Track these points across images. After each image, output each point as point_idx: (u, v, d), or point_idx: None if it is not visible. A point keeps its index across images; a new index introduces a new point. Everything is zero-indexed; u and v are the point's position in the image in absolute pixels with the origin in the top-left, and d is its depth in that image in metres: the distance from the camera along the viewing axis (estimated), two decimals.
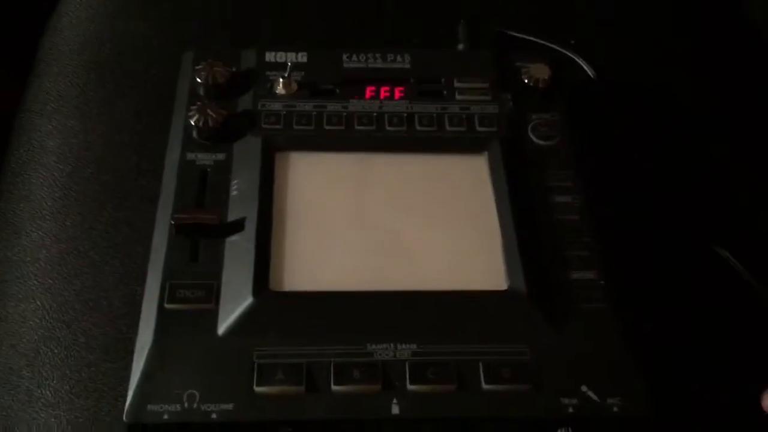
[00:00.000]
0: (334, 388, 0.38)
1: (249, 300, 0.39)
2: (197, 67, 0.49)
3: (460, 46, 0.56)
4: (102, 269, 0.46)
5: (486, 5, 0.62)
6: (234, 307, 0.40)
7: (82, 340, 0.44)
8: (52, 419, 0.41)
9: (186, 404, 0.37)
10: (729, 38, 0.63)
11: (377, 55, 0.51)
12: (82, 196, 0.50)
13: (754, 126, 0.57)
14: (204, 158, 0.46)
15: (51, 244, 0.48)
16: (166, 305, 0.40)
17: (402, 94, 0.49)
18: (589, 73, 0.57)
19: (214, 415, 0.37)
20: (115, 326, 0.44)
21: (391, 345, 0.39)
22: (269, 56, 0.51)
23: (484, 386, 0.38)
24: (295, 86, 0.49)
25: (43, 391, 0.42)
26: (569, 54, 0.57)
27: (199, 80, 0.48)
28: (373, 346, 0.39)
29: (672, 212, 0.50)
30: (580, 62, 0.57)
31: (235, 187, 0.44)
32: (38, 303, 0.45)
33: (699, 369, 0.44)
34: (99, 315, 0.45)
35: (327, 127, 0.47)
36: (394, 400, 0.38)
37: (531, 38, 0.58)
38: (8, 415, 0.42)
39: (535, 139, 0.48)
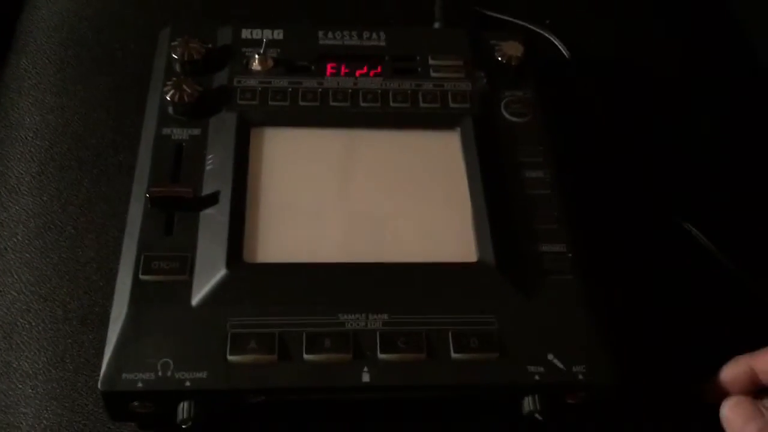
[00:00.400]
0: (306, 356, 0.38)
1: (222, 271, 0.40)
2: (173, 43, 0.49)
3: (437, 25, 0.57)
4: (79, 243, 0.47)
5: None
6: (208, 278, 0.40)
7: (59, 312, 0.44)
8: (30, 390, 0.42)
9: (160, 372, 0.38)
10: (702, 18, 0.64)
11: (353, 32, 0.52)
12: (59, 171, 0.50)
13: (726, 104, 0.58)
14: (179, 133, 0.46)
15: (28, 219, 0.48)
16: (141, 276, 0.40)
17: (377, 71, 0.50)
18: (563, 52, 0.57)
19: (188, 383, 0.37)
20: (91, 299, 0.45)
21: (363, 315, 0.40)
22: (245, 33, 0.51)
23: (453, 355, 0.39)
24: (270, 63, 0.50)
25: (21, 363, 0.43)
26: (544, 33, 0.58)
27: (174, 56, 0.49)
28: (345, 316, 0.40)
29: (642, 188, 0.51)
30: (554, 41, 0.58)
31: (210, 161, 0.45)
32: (16, 277, 0.46)
33: (664, 339, 0.45)
34: (76, 288, 0.45)
35: (302, 103, 0.48)
36: (365, 369, 0.38)
37: (506, 17, 0.59)
38: None
39: (507, 116, 0.49)
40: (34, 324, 0.44)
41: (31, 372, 0.42)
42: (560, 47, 0.57)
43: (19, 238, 0.47)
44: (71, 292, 0.45)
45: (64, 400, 0.41)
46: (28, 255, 0.47)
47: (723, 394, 0.41)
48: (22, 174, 0.50)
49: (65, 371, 0.42)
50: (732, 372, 0.41)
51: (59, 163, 0.50)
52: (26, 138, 0.52)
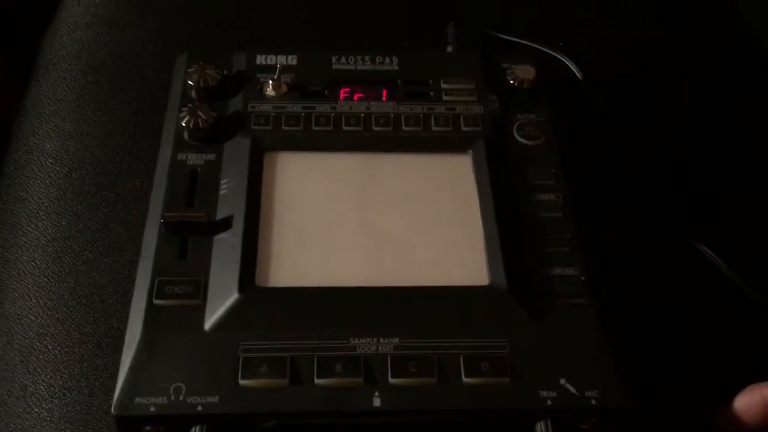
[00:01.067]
0: (317, 381, 0.39)
1: (235, 295, 0.40)
2: (189, 70, 0.50)
3: (449, 48, 0.57)
4: (96, 267, 0.48)
5: (477, 8, 0.63)
6: (220, 302, 0.41)
7: (76, 336, 0.45)
8: (45, 413, 0.42)
9: (173, 397, 0.38)
10: (716, 38, 0.64)
11: (366, 57, 0.52)
12: (77, 196, 0.51)
13: (741, 124, 0.58)
14: (194, 158, 0.47)
15: (47, 243, 0.49)
16: (155, 301, 0.41)
17: (389, 96, 0.50)
18: (576, 73, 0.57)
19: (200, 408, 0.38)
20: (107, 323, 0.45)
21: (374, 339, 0.40)
22: (260, 59, 0.52)
23: (465, 379, 0.39)
24: (284, 88, 0.50)
25: (37, 386, 0.43)
26: (557, 55, 0.58)
27: (190, 83, 0.49)
28: (356, 341, 0.40)
29: (655, 209, 0.51)
30: (567, 63, 0.58)
31: (224, 186, 0.45)
32: (34, 300, 0.47)
33: (678, 362, 0.45)
34: (92, 312, 0.46)
35: (315, 128, 0.48)
36: (376, 393, 0.38)
37: (519, 40, 0.59)
38: (2, 409, 0.43)
39: (519, 139, 0.49)
40: (50, 347, 0.45)
41: (47, 395, 0.43)
42: (573, 69, 0.58)
43: (38, 262, 0.48)
44: (87, 315, 0.46)
45: (79, 423, 0.42)
46: (45, 279, 0.47)
47: (736, 423, 0.40)
48: (41, 199, 0.51)
49: (80, 395, 0.43)
50: (745, 402, 0.40)
51: (78, 189, 0.51)
52: (46, 164, 0.53)
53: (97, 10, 0.62)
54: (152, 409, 0.38)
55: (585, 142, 0.53)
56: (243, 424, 0.39)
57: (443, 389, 0.39)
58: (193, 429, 0.38)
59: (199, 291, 0.41)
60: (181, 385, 0.38)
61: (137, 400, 0.38)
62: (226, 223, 0.43)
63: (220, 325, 0.40)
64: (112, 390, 0.39)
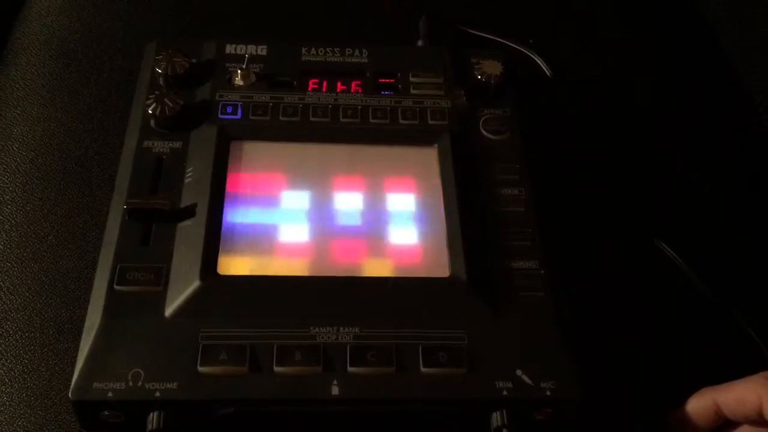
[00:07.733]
0: (276, 369, 0.39)
1: (196, 283, 0.40)
2: (157, 58, 0.50)
3: (420, 43, 0.57)
4: (59, 253, 0.47)
5: (451, 4, 0.63)
6: (181, 289, 0.41)
7: (37, 321, 0.45)
8: (5, 397, 0.42)
9: (131, 382, 0.38)
10: (683, 40, 0.65)
11: (336, 49, 0.52)
12: (43, 182, 0.51)
13: (706, 123, 0.58)
14: (160, 146, 0.47)
15: (11, 228, 0.49)
16: (116, 287, 0.41)
17: (358, 88, 0.50)
18: (546, 70, 0.58)
19: (158, 394, 0.38)
20: (69, 308, 0.45)
21: (334, 328, 0.40)
22: (230, 48, 0.52)
23: (423, 369, 0.39)
24: (253, 78, 0.50)
25: None
26: (527, 52, 0.59)
27: (158, 70, 0.49)
28: (316, 329, 0.40)
29: (619, 207, 0.52)
30: (537, 60, 0.58)
31: (189, 174, 0.45)
32: None
33: (636, 359, 0.45)
34: (54, 298, 0.46)
35: (282, 118, 0.48)
36: (334, 382, 0.39)
37: (490, 36, 0.59)
38: None
39: (485, 133, 0.49)
40: (11, 332, 0.44)
41: (6, 379, 0.43)
42: (543, 66, 0.58)
43: (1, 247, 0.48)
44: (49, 301, 0.45)
45: (38, 408, 0.42)
46: (8, 264, 0.47)
47: (688, 425, 0.41)
48: (6, 184, 0.51)
49: (40, 379, 0.43)
50: (696, 405, 0.40)
51: (44, 174, 0.51)
52: (12, 148, 0.53)
53: None
54: (110, 394, 0.38)
55: (551, 139, 0.53)
56: (201, 411, 0.39)
57: (401, 379, 0.39)
58: (151, 415, 0.38)
59: (161, 278, 0.41)
60: (140, 371, 0.38)
61: (95, 385, 0.38)
62: (189, 211, 0.43)
63: (180, 312, 0.40)
64: (72, 375, 0.39)
